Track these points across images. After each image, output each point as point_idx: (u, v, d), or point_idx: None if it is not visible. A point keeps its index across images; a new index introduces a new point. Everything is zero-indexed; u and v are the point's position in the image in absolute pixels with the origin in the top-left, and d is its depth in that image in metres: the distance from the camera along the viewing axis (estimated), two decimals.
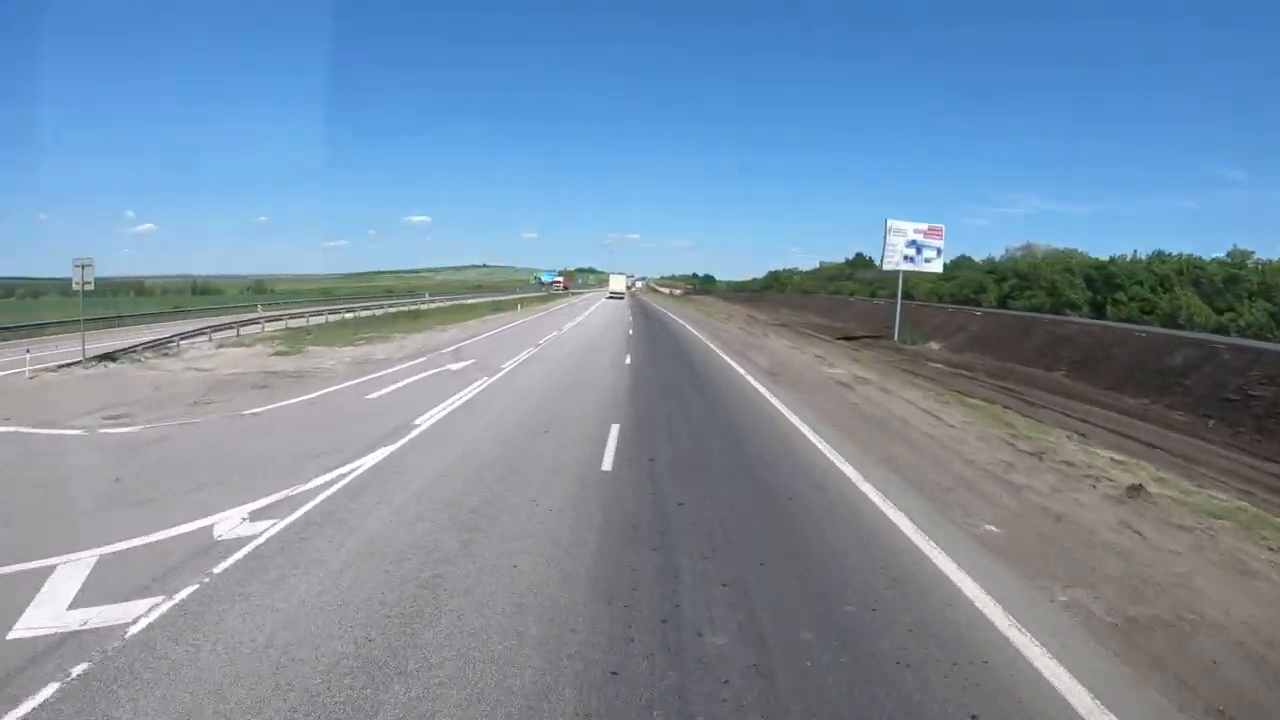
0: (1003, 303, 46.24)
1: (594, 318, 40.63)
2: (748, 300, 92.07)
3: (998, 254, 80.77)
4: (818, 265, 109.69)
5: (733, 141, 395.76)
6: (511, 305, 55.24)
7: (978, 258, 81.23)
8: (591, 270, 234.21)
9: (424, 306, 48.55)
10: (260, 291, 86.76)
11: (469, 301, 60.68)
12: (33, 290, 68.12)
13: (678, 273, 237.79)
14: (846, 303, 62.47)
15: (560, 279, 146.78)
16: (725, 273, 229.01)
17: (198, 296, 75.98)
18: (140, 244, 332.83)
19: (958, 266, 59.74)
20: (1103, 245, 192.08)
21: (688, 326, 36.17)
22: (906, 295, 66.31)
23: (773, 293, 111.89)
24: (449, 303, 58.51)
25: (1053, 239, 76.14)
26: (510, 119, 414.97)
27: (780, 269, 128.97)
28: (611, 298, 76.76)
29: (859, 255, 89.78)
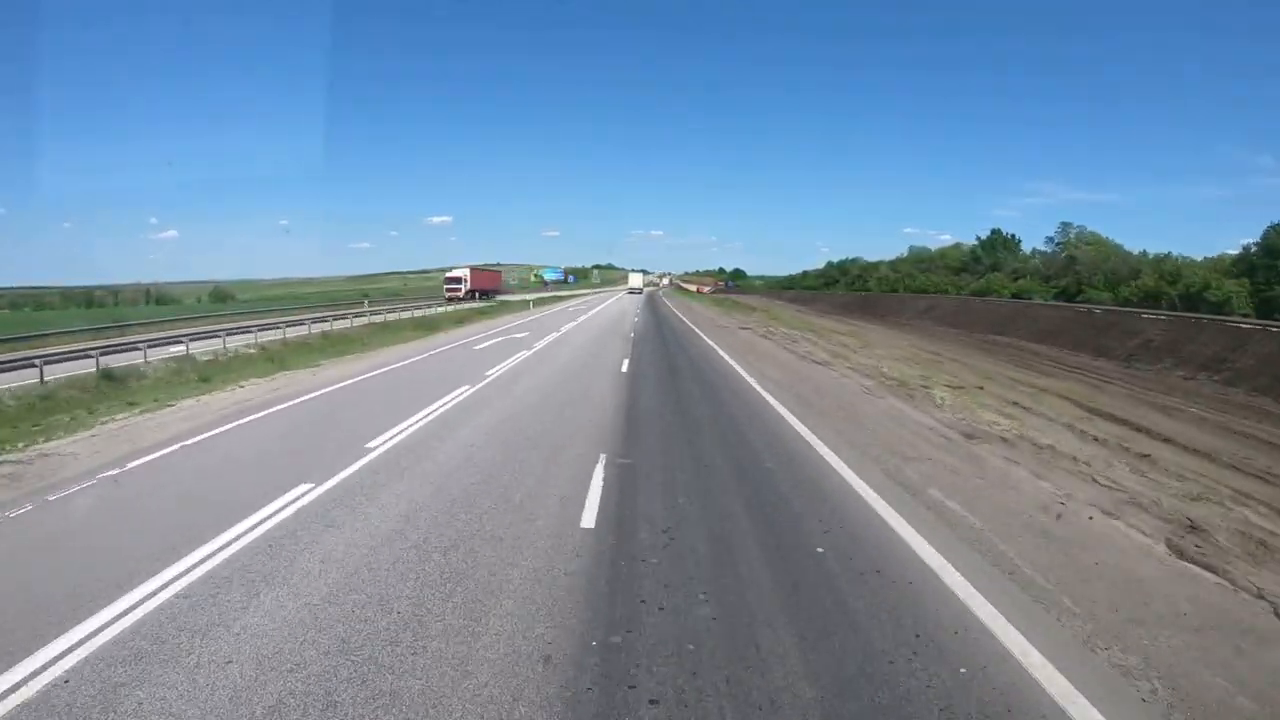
0: None
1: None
2: (859, 309, 58.85)
3: (1030, 246, 64.34)
4: (905, 252, 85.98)
5: (755, 138, 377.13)
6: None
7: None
8: (611, 266, 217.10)
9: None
10: (221, 299, 70.40)
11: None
12: None
13: (702, 268, 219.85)
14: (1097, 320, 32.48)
15: (463, 276, 66.57)
16: (750, 268, 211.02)
17: (151, 306, 62.44)
18: (164, 250, 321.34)
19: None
20: (1133, 234, 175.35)
21: None
22: (1100, 296, 42.42)
23: (840, 290, 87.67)
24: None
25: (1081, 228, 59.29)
26: (532, 118, 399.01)
27: (845, 259, 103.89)
28: (630, 293, 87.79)
29: (995, 233, 68.11)
